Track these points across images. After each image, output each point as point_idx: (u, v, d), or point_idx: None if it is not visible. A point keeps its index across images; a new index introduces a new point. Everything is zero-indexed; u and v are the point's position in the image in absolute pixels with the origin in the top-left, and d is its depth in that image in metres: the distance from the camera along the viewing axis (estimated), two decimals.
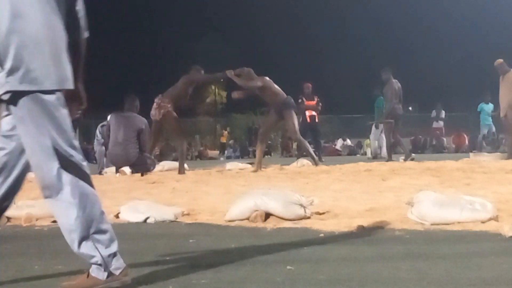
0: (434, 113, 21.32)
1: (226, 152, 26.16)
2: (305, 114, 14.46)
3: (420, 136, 24.75)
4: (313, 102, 14.78)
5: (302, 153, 13.41)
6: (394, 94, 12.19)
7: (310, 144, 13.75)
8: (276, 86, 9.88)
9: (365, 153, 23.10)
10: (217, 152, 27.54)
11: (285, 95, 9.98)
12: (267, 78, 9.92)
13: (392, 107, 12.19)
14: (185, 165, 9.67)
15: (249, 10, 53.92)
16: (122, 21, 54.02)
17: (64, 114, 2.20)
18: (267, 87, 9.73)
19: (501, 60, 11.44)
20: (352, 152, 23.61)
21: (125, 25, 54.33)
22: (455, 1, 47.22)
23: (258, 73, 10.02)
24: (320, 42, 54.51)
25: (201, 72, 9.92)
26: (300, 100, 14.10)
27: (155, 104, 9.44)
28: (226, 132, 29.93)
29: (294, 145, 22.12)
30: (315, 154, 11.48)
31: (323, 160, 13.07)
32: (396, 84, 12.30)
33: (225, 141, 28.78)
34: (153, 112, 9.45)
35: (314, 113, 14.75)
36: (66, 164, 2.18)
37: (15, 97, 2.12)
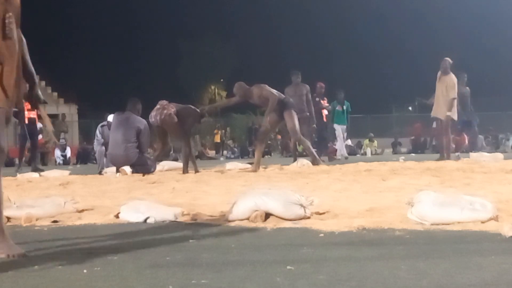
0: None
1: (223, 152, 26.18)
2: (321, 114, 14.52)
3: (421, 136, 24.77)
4: (325, 102, 14.91)
5: (298, 153, 13.43)
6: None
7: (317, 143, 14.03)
8: (271, 89, 9.90)
9: (365, 153, 23.11)
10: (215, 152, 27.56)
11: (282, 95, 10.01)
12: (261, 85, 9.96)
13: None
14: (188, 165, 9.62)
15: (248, 11, 53.90)
16: (122, 21, 53.99)
17: None
18: (261, 95, 9.80)
19: (446, 59, 11.62)
20: (352, 152, 23.60)
21: (125, 26, 54.28)
22: (456, 3, 47.24)
23: (254, 77, 10.10)
24: (321, 42, 54.51)
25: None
26: (317, 99, 14.12)
27: (158, 105, 9.37)
28: (219, 132, 29.94)
29: None
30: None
31: (323, 160, 13.13)
32: None
33: (219, 140, 28.79)
34: (153, 113, 9.36)
35: (327, 112, 14.89)
36: None
37: None
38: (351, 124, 17.92)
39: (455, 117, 11.69)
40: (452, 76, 11.52)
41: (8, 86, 2.92)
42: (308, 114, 12.56)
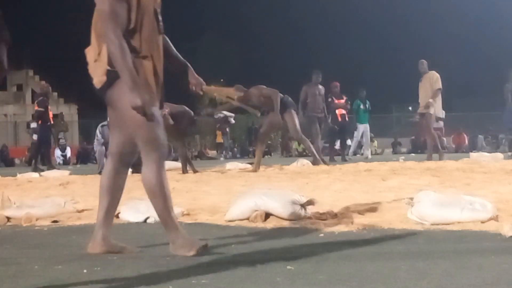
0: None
1: (224, 152, 26.17)
2: (335, 113, 14.61)
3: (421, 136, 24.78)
4: (343, 101, 14.94)
5: (298, 153, 13.51)
6: None
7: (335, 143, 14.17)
8: (268, 89, 9.90)
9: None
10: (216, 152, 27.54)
11: (281, 95, 9.99)
12: (259, 86, 9.94)
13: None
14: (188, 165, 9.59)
15: (248, 10, 53.93)
16: None
17: None
18: (261, 95, 9.78)
19: (423, 61, 11.84)
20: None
21: None
22: (455, 4, 47.29)
23: (254, 77, 10.08)
24: (321, 42, 54.51)
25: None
26: (330, 99, 14.21)
27: None
28: (219, 132, 29.89)
29: (294, 145, 22.09)
30: (337, 152, 11.65)
31: (347, 159, 13.30)
32: None
33: (221, 140, 28.79)
34: None
35: (344, 111, 14.94)
36: None
37: None
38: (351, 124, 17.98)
39: (432, 112, 11.73)
40: (434, 72, 11.73)
41: (158, 79, 2.85)
42: (323, 114, 12.74)
